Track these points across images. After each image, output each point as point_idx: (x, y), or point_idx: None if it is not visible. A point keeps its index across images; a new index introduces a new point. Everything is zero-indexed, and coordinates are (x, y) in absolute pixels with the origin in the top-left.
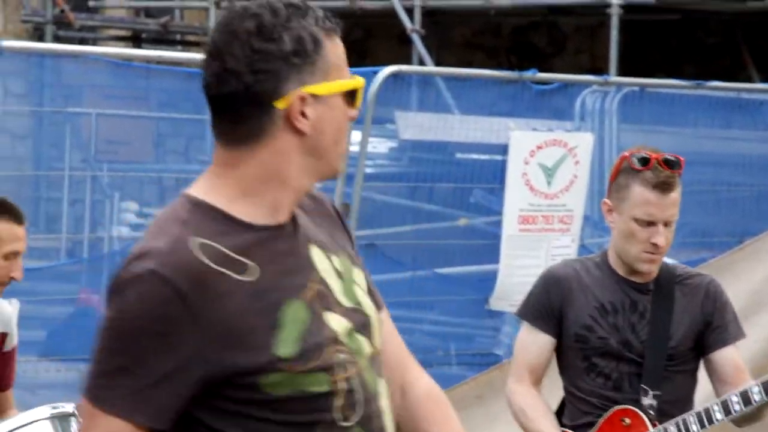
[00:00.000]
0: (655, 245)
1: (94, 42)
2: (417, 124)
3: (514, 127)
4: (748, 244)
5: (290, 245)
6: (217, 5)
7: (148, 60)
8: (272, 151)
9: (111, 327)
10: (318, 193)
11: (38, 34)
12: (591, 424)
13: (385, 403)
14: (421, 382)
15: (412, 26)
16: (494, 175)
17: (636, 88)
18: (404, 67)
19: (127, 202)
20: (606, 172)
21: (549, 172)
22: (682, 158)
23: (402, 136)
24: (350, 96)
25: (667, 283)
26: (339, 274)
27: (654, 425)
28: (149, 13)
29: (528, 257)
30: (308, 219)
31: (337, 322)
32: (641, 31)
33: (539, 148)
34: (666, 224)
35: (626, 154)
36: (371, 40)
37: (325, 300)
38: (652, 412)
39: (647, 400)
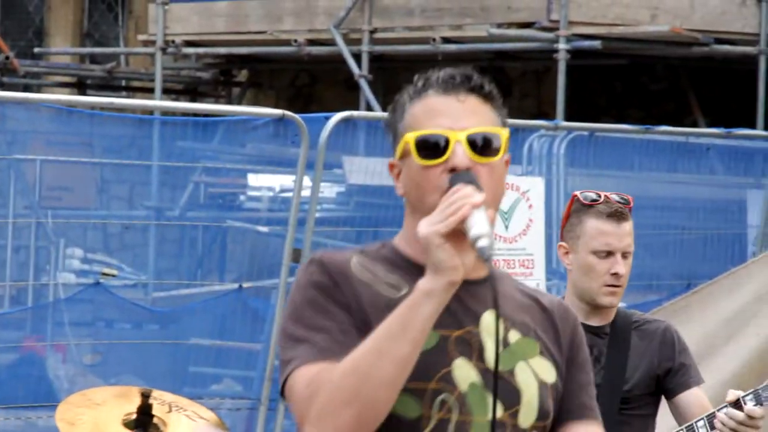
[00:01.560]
0: (616, 275)
1: (38, 89)
2: (363, 169)
3: None
4: (701, 288)
5: (463, 296)
6: (163, 51)
7: (92, 106)
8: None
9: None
10: (562, 306)
11: None
12: None
13: None
14: None
15: (360, 72)
16: None
17: (584, 133)
18: (354, 113)
19: (72, 248)
20: (555, 216)
21: (505, 216)
22: (630, 197)
23: (349, 181)
24: (423, 148)
25: (623, 327)
26: (505, 343)
27: None
28: (94, 59)
29: None
30: (512, 302)
31: (464, 371)
32: (587, 75)
33: None
34: (624, 256)
35: (576, 193)
36: (318, 86)
37: (465, 347)
38: None
39: None
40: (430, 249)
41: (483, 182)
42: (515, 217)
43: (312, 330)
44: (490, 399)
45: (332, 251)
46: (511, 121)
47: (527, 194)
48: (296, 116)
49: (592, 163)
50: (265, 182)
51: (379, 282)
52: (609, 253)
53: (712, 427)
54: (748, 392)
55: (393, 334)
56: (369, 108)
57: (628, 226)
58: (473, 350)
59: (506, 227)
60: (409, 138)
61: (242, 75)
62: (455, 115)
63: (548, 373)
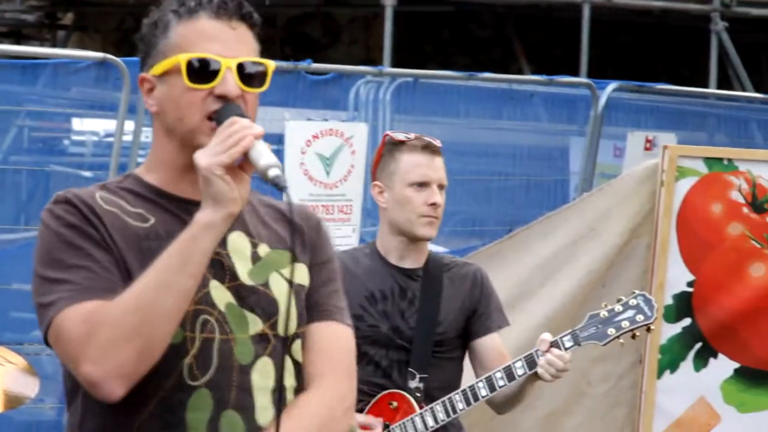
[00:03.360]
0: (433, 205)
1: None
2: None
3: (289, 117)
4: (517, 232)
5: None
6: None
7: None
8: (154, 130)
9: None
10: (304, 210)
11: None
12: (360, 411)
13: (262, 382)
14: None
15: None
16: None
17: (409, 79)
18: None
19: None
20: None
21: (327, 162)
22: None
23: None
24: (193, 71)
25: (435, 270)
26: (256, 258)
27: (421, 407)
28: None
29: None
30: (255, 218)
31: (219, 291)
32: (415, 22)
33: (315, 137)
34: (440, 187)
35: (387, 133)
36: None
37: (218, 268)
38: (419, 395)
39: (414, 383)
40: (211, 180)
41: (247, 113)
42: (337, 162)
43: (71, 270)
44: (248, 315)
45: (76, 189)
46: (336, 66)
47: (351, 140)
48: (118, 60)
49: (417, 109)
50: (89, 127)
51: (126, 214)
52: (425, 184)
53: (531, 367)
54: (565, 333)
55: (174, 267)
56: None
57: (440, 160)
58: (225, 271)
59: (327, 173)
60: (182, 59)
61: (67, 18)
62: (227, 41)
63: (302, 277)
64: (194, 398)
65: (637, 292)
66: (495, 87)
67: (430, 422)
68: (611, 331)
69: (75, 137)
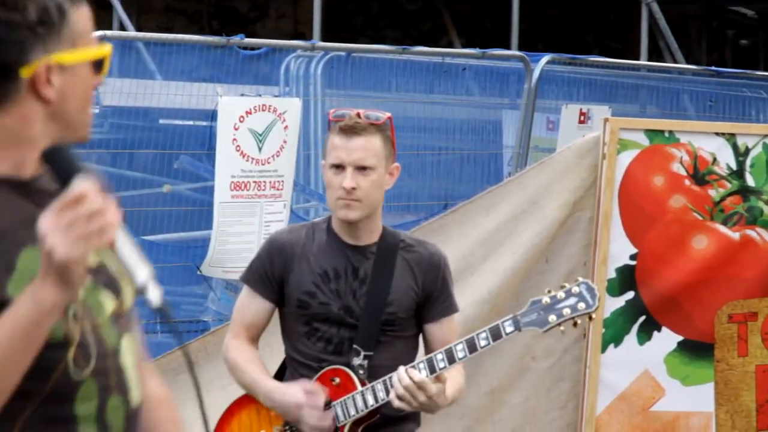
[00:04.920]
0: (345, 189)
1: None
2: (118, 90)
3: (222, 92)
4: (459, 207)
5: (39, 200)
6: None
7: None
8: (15, 117)
9: None
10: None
11: None
12: None
13: (128, 360)
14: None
15: None
16: (201, 141)
17: (341, 53)
18: (108, 32)
19: None
20: (311, 137)
21: (259, 138)
22: (387, 114)
23: (103, 102)
24: (97, 64)
25: (389, 249)
26: None
27: (363, 384)
28: None
29: (241, 224)
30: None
31: None
32: None
33: (248, 113)
34: (359, 170)
35: (329, 111)
36: None
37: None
38: (362, 372)
39: (358, 360)
40: (69, 269)
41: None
42: (270, 138)
43: None
44: (101, 295)
45: None
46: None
47: (283, 115)
48: None
49: (349, 84)
50: None
51: None
52: (340, 167)
53: (472, 350)
54: (507, 318)
55: (16, 350)
56: (122, 28)
57: (360, 140)
58: None
59: (259, 149)
60: (105, 53)
61: None
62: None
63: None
64: (82, 390)
65: (580, 279)
66: (427, 61)
67: (371, 400)
68: (552, 318)
69: None
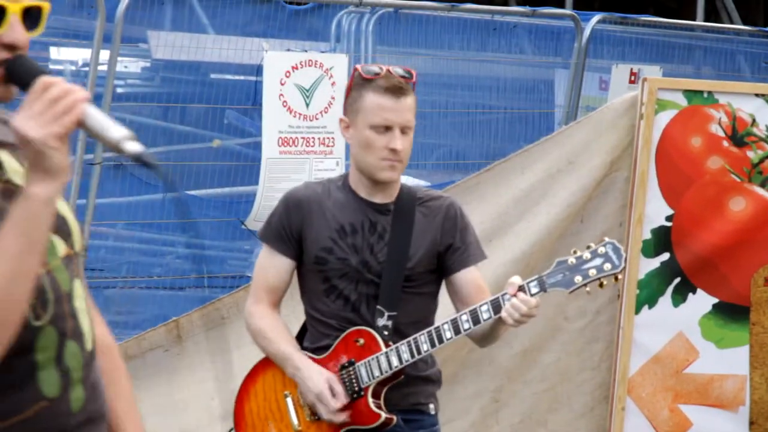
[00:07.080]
0: (393, 150)
1: None
2: (170, 44)
3: (268, 47)
4: (494, 165)
5: None
6: None
7: None
8: None
9: None
10: None
11: None
12: (329, 347)
13: (80, 305)
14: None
15: None
16: (247, 96)
17: (391, 10)
18: None
19: None
20: None
21: (307, 94)
22: (413, 71)
23: (154, 56)
24: None
25: (407, 204)
26: None
27: (387, 345)
28: None
29: (290, 180)
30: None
31: None
32: None
33: (294, 68)
34: (403, 131)
35: (357, 67)
36: None
37: (11, 196)
38: (386, 333)
39: (382, 321)
40: (46, 154)
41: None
42: (317, 94)
43: None
44: (52, 239)
45: None
46: None
47: (331, 71)
48: None
49: (399, 41)
50: (67, 56)
51: None
52: (387, 128)
53: (496, 312)
54: (531, 279)
55: (23, 252)
56: None
57: (408, 101)
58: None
59: (307, 105)
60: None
61: None
62: None
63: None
64: (41, 337)
65: (606, 239)
66: (478, 18)
67: (395, 362)
68: (578, 278)
69: (54, 66)
